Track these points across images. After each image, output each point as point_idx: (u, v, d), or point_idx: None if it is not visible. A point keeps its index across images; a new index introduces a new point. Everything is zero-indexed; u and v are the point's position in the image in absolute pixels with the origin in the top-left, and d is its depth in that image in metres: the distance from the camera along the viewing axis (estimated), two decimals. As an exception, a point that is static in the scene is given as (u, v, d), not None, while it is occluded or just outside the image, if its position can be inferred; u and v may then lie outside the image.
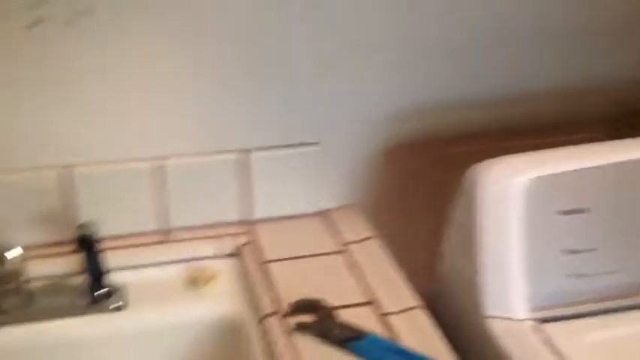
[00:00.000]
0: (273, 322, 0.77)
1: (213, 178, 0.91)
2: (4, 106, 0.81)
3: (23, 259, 0.78)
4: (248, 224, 0.95)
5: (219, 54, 0.85)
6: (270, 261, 0.88)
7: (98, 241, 0.78)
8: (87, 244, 0.77)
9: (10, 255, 0.75)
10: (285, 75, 0.88)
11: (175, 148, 0.89)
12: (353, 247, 0.91)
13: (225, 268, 0.89)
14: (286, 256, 0.89)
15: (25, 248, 0.78)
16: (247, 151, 0.91)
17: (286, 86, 0.89)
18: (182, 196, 0.91)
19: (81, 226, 0.78)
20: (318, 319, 0.77)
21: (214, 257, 0.90)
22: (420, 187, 1.00)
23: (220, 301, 0.84)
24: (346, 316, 0.77)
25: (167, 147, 0.88)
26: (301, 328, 0.76)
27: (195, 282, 0.85)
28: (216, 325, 0.83)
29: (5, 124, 0.82)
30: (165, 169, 0.89)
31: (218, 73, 0.86)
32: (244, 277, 0.87)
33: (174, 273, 0.88)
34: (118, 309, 0.82)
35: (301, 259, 0.89)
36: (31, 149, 0.84)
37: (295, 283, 0.84)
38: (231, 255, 0.91)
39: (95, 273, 0.80)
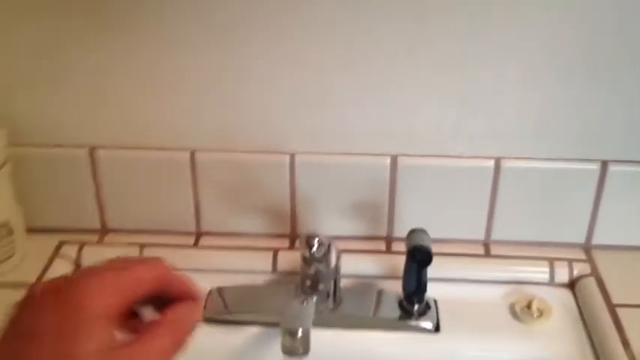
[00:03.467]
0: (634, 391, 0.61)
1: (553, 188, 0.75)
2: (353, 99, 0.73)
3: (339, 257, 0.69)
4: (584, 249, 0.79)
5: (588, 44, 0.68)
6: (620, 305, 0.71)
7: (432, 258, 0.66)
8: (420, 258, 0.65)
9: (334, 257, 0.66)
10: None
11: (511, 149, 0.74)
12: None
13: (558, 300, 0.73)
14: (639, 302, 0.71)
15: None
16: (605, 162, 0.74)
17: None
18: (509, 204, 0.77)
19: (415, 234, 0.66)
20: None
21: (545, 284, 0.75)
22: None
23: (555, 342, 0.69)
24: None
25: (501, 146, 0.74)
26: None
27: (524, 312, 0.71)
28: (548, 372, 0.69)
29: (349, 115, 0.73)
30: (499, 171, 0.75)
31: (585, 64, 0.70)
32: (585, 318, 0.71)
33: (496, 295, 0.74)
34: (433, 330, 0.71)
35: (661, 310, 0.70)
36: (357, 134, 0.74)
37: (655, 340, 0.66)
38: (564, 285, 0.76)
39: (416, 287, 0.69)
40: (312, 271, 0.67)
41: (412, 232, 0.67)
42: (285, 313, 0.60)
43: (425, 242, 0.65)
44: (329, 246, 0.67)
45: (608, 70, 0.70)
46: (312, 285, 0.68)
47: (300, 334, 0.57)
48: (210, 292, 0.73)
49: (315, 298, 0.64)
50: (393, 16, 0.67)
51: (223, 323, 0.71)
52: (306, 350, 0.58)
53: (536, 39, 0.68)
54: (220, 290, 0.74)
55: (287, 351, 0.58)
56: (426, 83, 0.71)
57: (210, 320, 0.71)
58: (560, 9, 0.66)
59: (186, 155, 0.75)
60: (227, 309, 0.72)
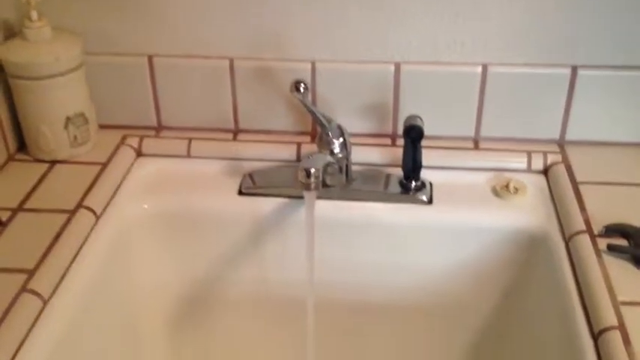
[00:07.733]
0: (584, 240, 0.76)
1: (532, 91, 0.90)
2: (364, 17, 0.87)
3: (351, 142, 0.85)
4: (559, 144, 0.93)
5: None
6: (583, 182, 0.86)
7: (423, 134, 0.81)
8: (413, 135, 0.81)
9: (347, 137, 0.82)
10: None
11: (499, 55, 0.89)
12: (676, 183, 0.85)
13: (533, 183, 0.88)
14: (599, 181, 0.86)
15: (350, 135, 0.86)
16: (575, 67, 0.88)
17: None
18: (497, 106, 0.92)
19: (410, 118, 0.82)
20: (633, 243, 0.74)
21: (523, 171, 0.90)
22: None
23: (526, 212, 0.84)
24: (665, 248, 0.73)
25: (490, 54, 0.89)
26: (613, 249, 0.74)
27: (503, 190, 0.86)
28: (520, 235, 0.84)
29: (361, 29, 0.88)
30: (487, 76, 0.90)
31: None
32: (553, 194, 0.86)
33: (482, 179, 0.89)
34: (427, 202, 0.86)
35: (616, 186, 0.85)
36: (367, 45, 0.90)
37: (608, 207, 0.81)
38: (540, 172, 0.90)
39: (412, 164, 0.85)
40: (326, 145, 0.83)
41: (408, 117, 0.83)
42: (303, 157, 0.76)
43: (417, 123, 0.81)
44: (340, 129, 0.83)
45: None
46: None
47: (313, 171, 0.72)
48: (244, 175, 0.90)
49: (328, 152, 0.81)
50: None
51: (254, 196, 0.88)
52: (317, 186, 0.73)
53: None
54: (251, 173, 0.90)
55: (302, 186, 0.74)
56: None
57: (243, 194, 0.88)
58: None
59: (226, 63, 0.92)
60: (256, 185, 0.88)
